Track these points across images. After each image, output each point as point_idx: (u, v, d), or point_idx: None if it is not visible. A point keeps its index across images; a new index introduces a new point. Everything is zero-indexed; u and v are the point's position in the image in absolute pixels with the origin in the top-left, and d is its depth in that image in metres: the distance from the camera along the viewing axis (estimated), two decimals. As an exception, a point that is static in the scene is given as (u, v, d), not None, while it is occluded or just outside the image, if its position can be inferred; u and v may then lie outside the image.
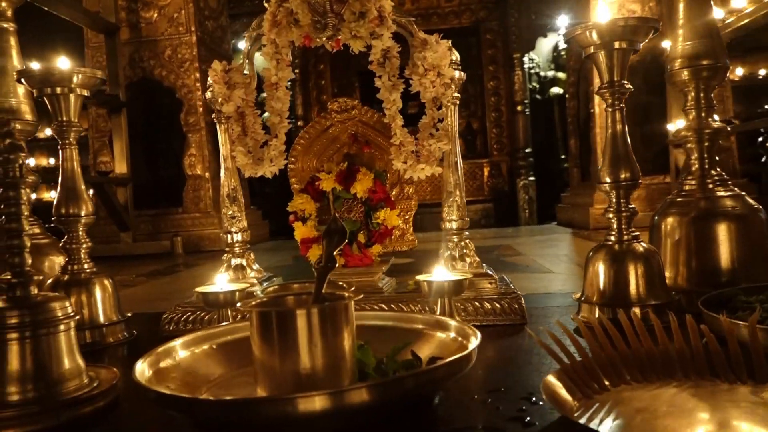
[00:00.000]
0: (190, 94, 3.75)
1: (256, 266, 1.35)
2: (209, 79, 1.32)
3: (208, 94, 1.32)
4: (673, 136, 3.09)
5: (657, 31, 1.12)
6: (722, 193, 1.26)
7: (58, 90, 1.21)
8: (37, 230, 1.41)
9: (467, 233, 1.33)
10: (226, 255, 1.35)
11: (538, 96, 6.77)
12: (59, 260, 1.41)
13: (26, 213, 0.81)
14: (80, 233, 1.24)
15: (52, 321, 0.78)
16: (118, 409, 0.81)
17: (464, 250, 1.30)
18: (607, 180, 1.14)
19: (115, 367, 0.89)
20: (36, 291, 0.81)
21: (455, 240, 1.31)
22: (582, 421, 0.64)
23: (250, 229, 1.41)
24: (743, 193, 1.26)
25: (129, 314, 1.28)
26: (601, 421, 0.65)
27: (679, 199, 1.29)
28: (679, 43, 1.28)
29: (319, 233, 1.35)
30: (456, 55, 1.30)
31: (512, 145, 6.35)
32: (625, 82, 1.13)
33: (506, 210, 6.34)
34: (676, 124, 3.15)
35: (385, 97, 1.27)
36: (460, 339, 0.82)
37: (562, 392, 0.70)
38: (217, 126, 1.35)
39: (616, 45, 1.09)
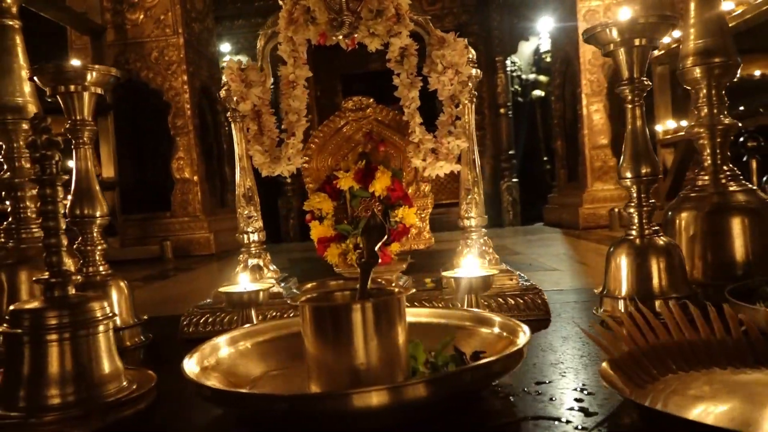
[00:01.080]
0: (178, 97, 3.70)
1: (272, 266, 1.33)
2: (224, 77, 1.30)
3: (223, 93, 1.31)
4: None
5: (675, 28, 1.14)
6: (735, 188, 1.28)
7: (72, 88, 1.18)
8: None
9: (485, 230, 1.33)
10: (242, 255, 1.33)
11: (520, 99, 6.84)
12: (69, 263, 1.37)
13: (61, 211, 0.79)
14: (95, 235, 1.21)
15: (91, 322, 0.76)
16: (158, 411, 0.79)
17: (483, 247, 1.31)
18: (629, 175, 1.15)
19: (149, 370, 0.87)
20: (74, 291, 0.79)
21: (474, 237, 1.31)
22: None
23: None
24: (755, 188, 1.29)
25: (145, 317, 1.26)
26: (664, 407, 0.65)
27: (692, 194, 1.31)
28: (690, 40, 1.30)
29: (336, 232, 1.34)
30: (472, 53, 1.30)
31: (495, 148, 6.39)
32: (645, 78, 1.14)
33: (490, 212, 6.37)
34: (665, 125, 3.21)
35: (403, 94, 1.27)
36: (505, 334, 0.82)
37: (618, 381, 0.70)
38: (232, 125, 1.33)
39: (636, 42, 1.11)
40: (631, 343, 0.79)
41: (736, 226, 1.25)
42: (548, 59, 6.38)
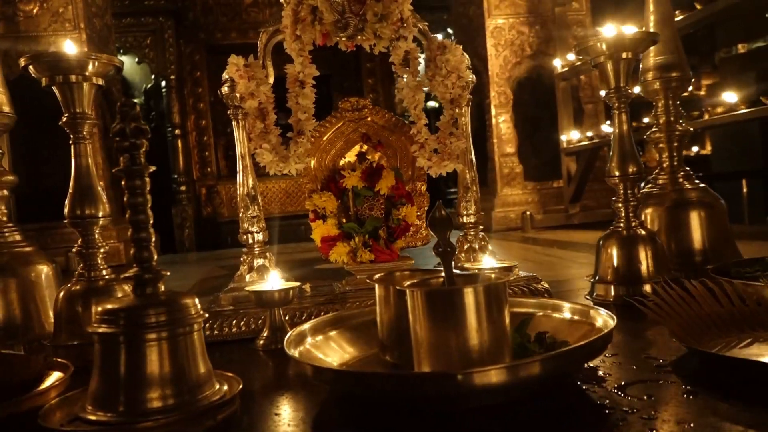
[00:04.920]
0: (79, 97, 3.41)
1: (277, 268, 1.31)
2: (225, 74, 1.27)
3: (225, 90, 1.27)
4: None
5: (656, 43, 1.29)
6: (689, 186, 1.47)
7: (72, 78, 1.10)
8: (17, 237, 1.23)
9: (482, 227, 1.41)
10: (245, 257, 1.29)
11: (415, 109, 7.09)
12: (46, 269, 1.25)
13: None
14: (96, 236, 1.13)
15: (187, 320, 0.73)
16: (250, 413, 0.77)
17: (482, 243, 1.39)
18: (616, 174, 1.28)
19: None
20: (163, 287, 0.74)
21: (472, 233, 1.39)
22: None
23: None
24: (705, 185, 1.49)
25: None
26: (742, 365, 0.76)
27: (654, 191, 1.49)
28: (651, 57, 1.48)
29: (340, 231, 1.34)
30: (468, 59, 1.38)
31: (394, 156, 6.57)
32: (629, 87, 1.28)
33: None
34: (568, 135, 3.52)
35: (409, 97, 1.32)
36: (577, 318, 0.89)
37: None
38: (233, 123, 1.29)
39: (624, 55, 1.24)
40: (676, 315, 0.91)
41: (694, 219, 1.44)
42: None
